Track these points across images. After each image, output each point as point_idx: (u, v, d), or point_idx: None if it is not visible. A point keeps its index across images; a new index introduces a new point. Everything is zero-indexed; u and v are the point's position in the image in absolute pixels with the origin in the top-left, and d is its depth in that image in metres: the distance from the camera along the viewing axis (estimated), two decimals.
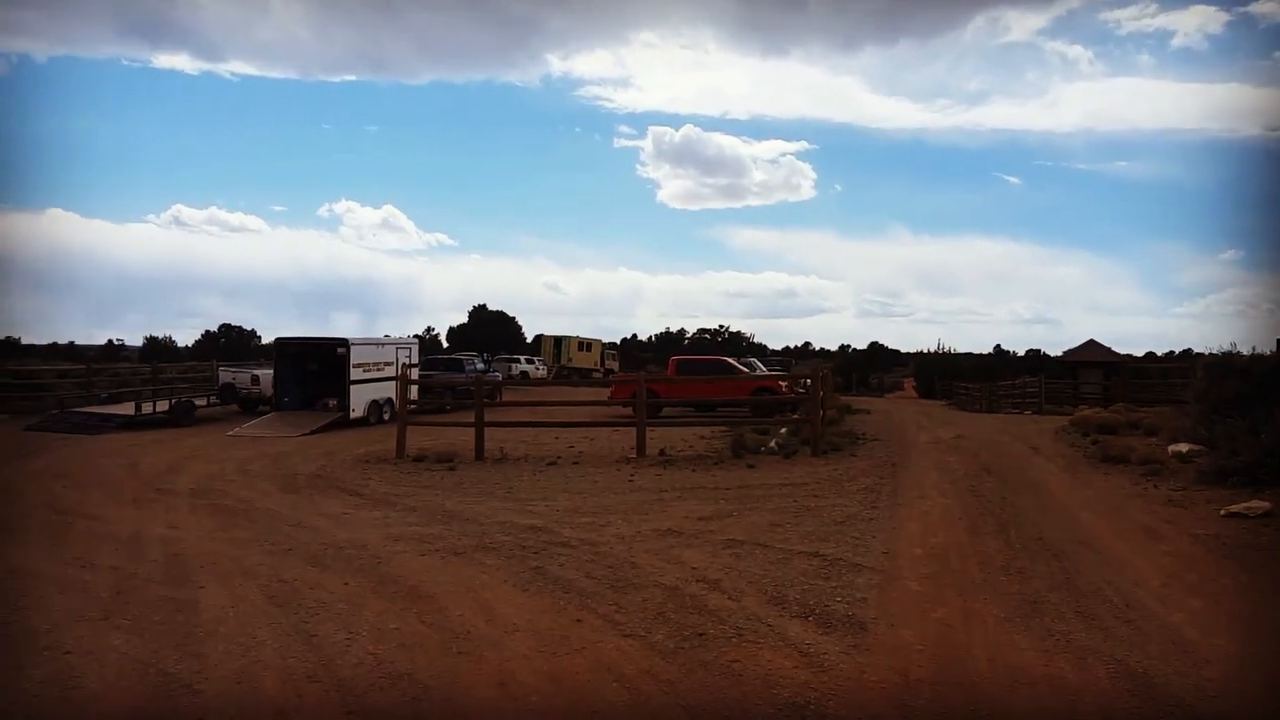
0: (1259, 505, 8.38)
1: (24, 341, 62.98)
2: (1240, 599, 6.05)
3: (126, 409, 21.03)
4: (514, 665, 4.84)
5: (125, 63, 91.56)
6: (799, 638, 5.19)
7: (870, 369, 55.92)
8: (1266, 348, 13.03)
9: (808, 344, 76.39)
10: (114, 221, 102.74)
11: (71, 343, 65.90)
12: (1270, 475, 9.36)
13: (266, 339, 52.54)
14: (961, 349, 53.46)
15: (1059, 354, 41.76)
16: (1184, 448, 11.87)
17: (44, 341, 66.71)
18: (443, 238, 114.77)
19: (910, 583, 6.39)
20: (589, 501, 9.94)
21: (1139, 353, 43.60)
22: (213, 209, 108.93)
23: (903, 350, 67.37)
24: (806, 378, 20.86)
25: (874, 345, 68.29)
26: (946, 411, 29.23)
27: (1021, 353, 58.79)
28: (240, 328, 52.33)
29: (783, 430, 15.24)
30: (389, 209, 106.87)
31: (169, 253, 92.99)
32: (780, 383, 22.24)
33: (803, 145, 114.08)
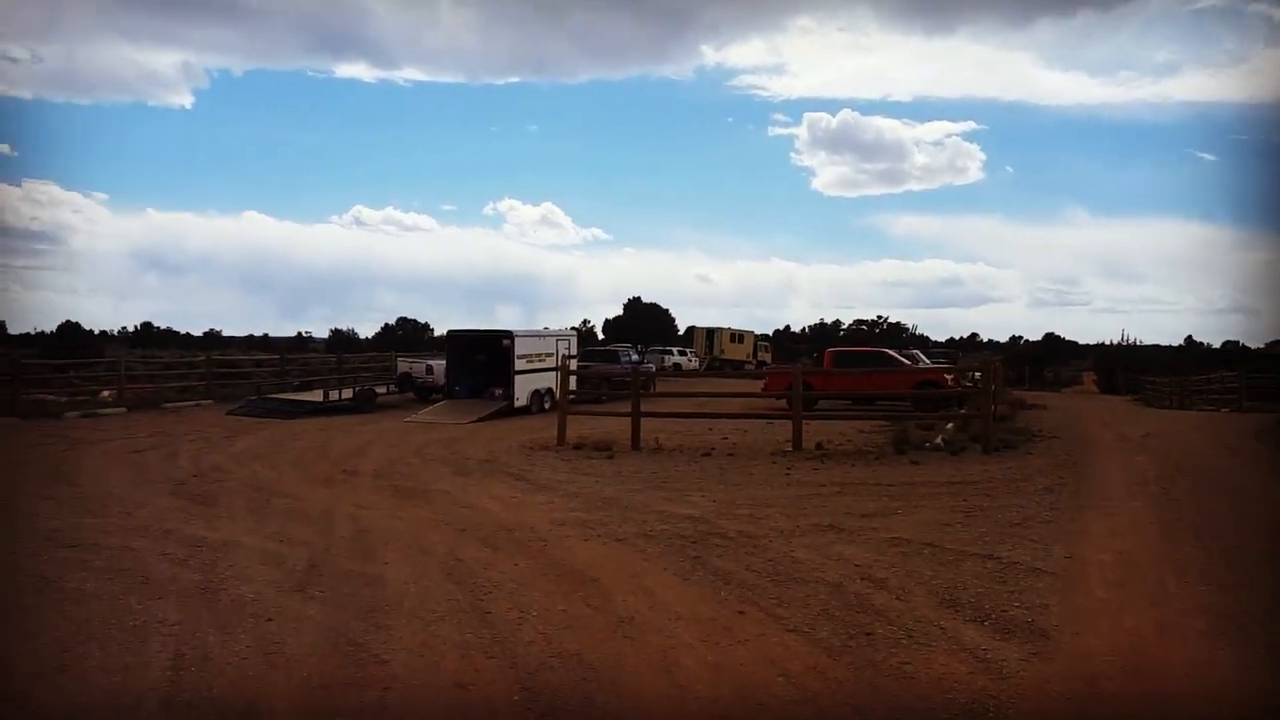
0: None
1: (224, 334, 69.62)
2: None
3: (315, 396, 22.67)
4: (678, 653, 4.91)
5: (310, 74, 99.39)
6: (974, 642, 4.98)
7: (1045, 362, 52.64)
8: None
9: (974, 335, 73.03)
10: (302, 222, 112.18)
11: (265, 335, 72.20)
12: None
13: (438, 331, 55.57)
14: (1147, 340, 49.37)
15: (1261, 346, 37.88)
16: None
17: (241, 334, 73.52)
18: (598, 232, 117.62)
19: (1096, 590, 5.98)
20: (745, 494, 9.91)
21: None
22: (389, 209, 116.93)
23: (1080, 342, 63.07)
24: (975, 370, 19.91)
25: (1049, 337, 64.26)
26: (1132, 408, 27.13)
27: (1217, 345, 53.73)
28: (415, 320, 55.54)
29: (949, 426, 14.62)
30: (548, 206, 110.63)
31: (350, 251, 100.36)
32: (946, 376, 21.33)
33: (970, 125, 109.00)
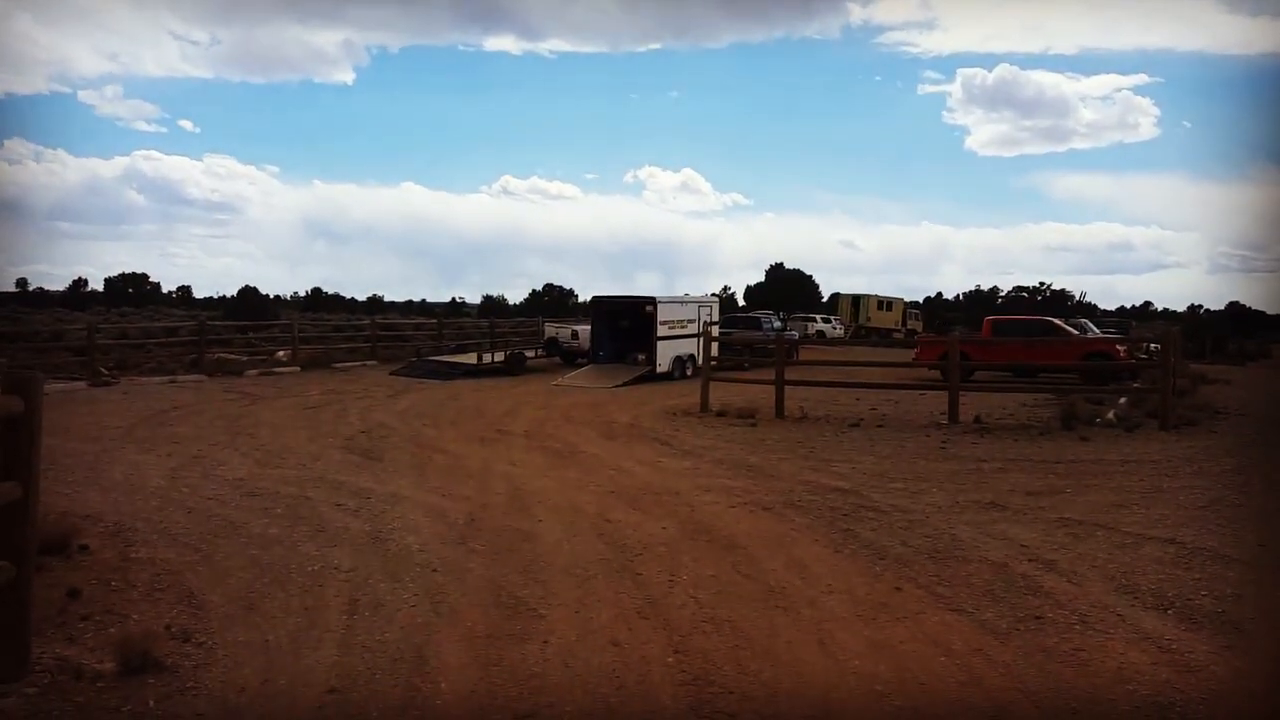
0: None
1: (386, 298, 73.62)
2: None
3: (470, 359, 23.64)
4: (832, 626, 4.82)
5: (461, 48, 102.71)
6: (1156, 631, 4.64)
7: (1228, 333, 48.17)
8: None
9: (1148, 304, 67.75)
10: (455, 192, 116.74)
11: (424, 299, 75.86)
12: None
13: (583, 297, 56.74)
14: None
15: None
16: None
17: (401, 299, 77.55)
18: (738, 198, 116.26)
19: None
20: (898, 467, 9.61)
21: None
22: (534, 179, 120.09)
23: (1269, 312, 57.34)
24: (1152, 341, 18.43)
25: (1233, 305, 58.74)
26: None
27: None
28: (560, 287, 56.92)
29: (1122, 400, 13.63)
30: (688, 172, 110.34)
31: (499, 219, 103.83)
32: (1117, 347, 19.88)
33: (1142, 79, 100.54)
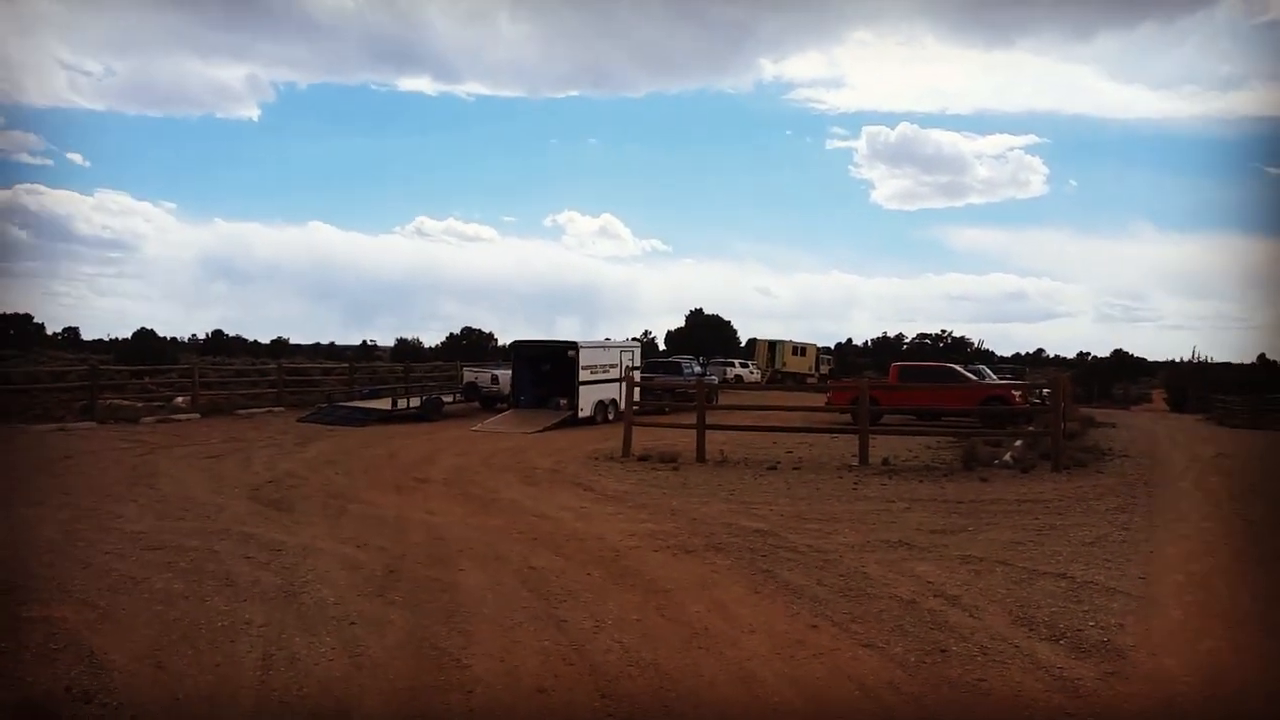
0: None
1: (292, 341, 71.50)
2: None
3: (384, 404, 23.17)
4: (754, 665, 5.00)
5: (374, 87, 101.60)
6: (1050, 660, 4.98)
7: (1113, 379, 51.13)
8: None
9: (1040, 351, 71.23)
10: (366, 233, 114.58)
11: (332, 342, 73.94)
12: None
13: (502, 341, 56.35)
14: (1218, 358, 47.44)
15: None
16: None
17: (308, 341, 75.44)
18: (657, 244, 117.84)
19: (1172, 610, 5.91)
20: (813, 508, 9.93)
21: None
22: (451, 220, 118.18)
23: (1150, 359, 61.06)
24: (1044, 387, 19.51)
25: (1117, 353, 62.34)
26: (1203, 427, 26.25)
27: None
28: (479, 330, 56.41)
29: (1017, 443, 14.39)
30: (607, 218, 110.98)
31: (414, 261, 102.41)
32: (1013, 392, 20.96)
33: (1031, 139, 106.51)
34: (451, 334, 56.90)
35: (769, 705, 4.46)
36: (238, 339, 70.04)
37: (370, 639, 5.56)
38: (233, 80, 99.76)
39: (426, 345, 57.72)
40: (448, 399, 25.08)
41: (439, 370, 35.39)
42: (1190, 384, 40.48)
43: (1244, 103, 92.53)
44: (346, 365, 34.72)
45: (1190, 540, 8.07)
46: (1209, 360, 44.98)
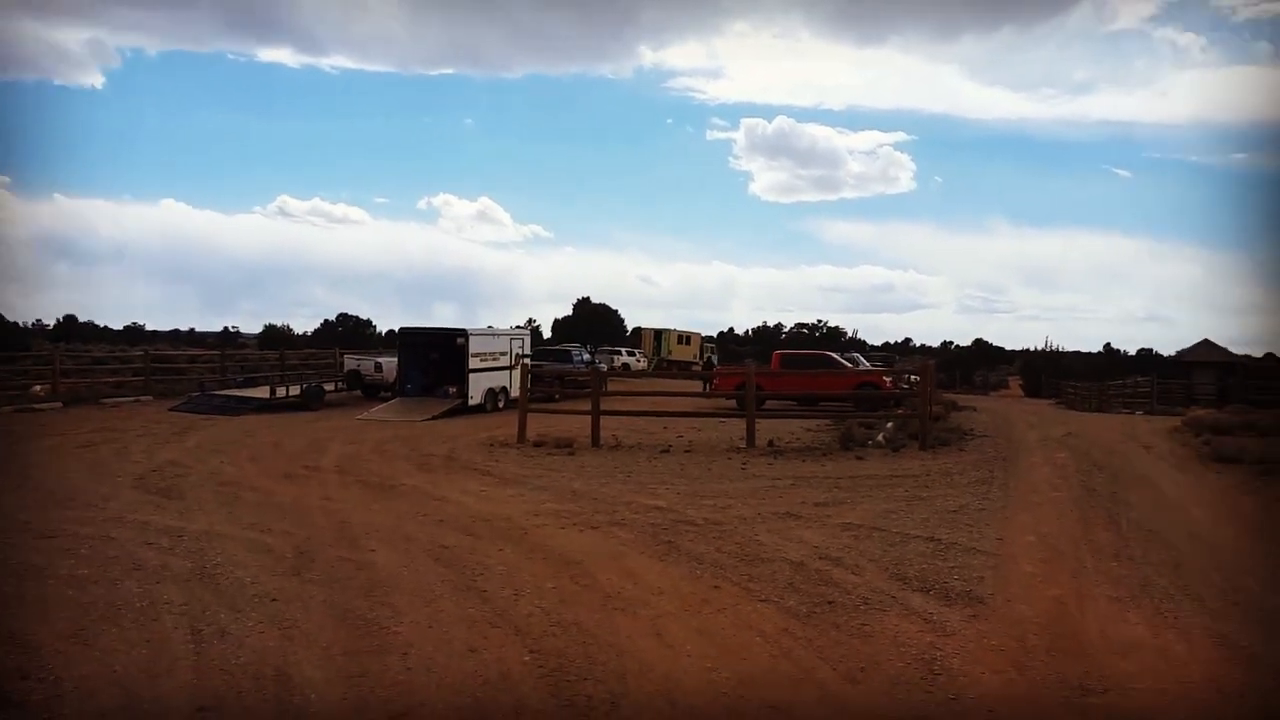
0: None
1: (147, 328, 67.59)
2: None
3: (261, 393, 22.53)
4: (665, 621, 5.49)
5: (231, 57, 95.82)
6: (922, 608, 5.69)
7: (974, 366, 54.76)
8: None
9: (908, 340, 75.08)
10: (224, 212, 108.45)
11: (192, 329, 70.31)
12: None
13: (381, 328, 55.05)
14: (1069, 347, 51.72)
15: (1172, 354, 40.19)
16: None
17: (165, 328, 71.44)
18: (539, 230, 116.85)
19: (1024, 565, 6.76)
20: (707, 487, 10.53)
21: (1258, 353, 41.42)
22: (316, 200, 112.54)
23: (1007, 347, 65.59)
24: (911, 373, 20.92)
25: (977, 342, 66.64)
26: (1054, 410, 28.65)
27: (1132, 352, 56.57)
28: (356, 317, 54.88)
29: (889, 424, 15.50)
30: (485, 201, 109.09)
31: (276, 243, 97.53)
32: (884, 378, 22.36)
33: (900, 136, 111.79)
34: (326, 320, 55.21)
35: (682, 651, 4.96)
36: (89, 325, 65.70)
37: (295, 613, 5.74)
38: (72, 44, 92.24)
39: (297, 332, 55.85)
40: (329, 387, 24.60)
41: (315, 358, 34.48)
42: (1043, 371, 43.89)
43: (1095, 106, 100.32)
44: (217, 353, 33.34)
45: (1040, 507, 9.08)
46: (1060, 349, 48.95)
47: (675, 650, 4.99)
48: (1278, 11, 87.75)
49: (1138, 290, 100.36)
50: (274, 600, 6.03)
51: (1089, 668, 4.76)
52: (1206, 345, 34.41)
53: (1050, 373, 42.68)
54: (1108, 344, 60.19)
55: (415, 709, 4.21)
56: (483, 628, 5.41)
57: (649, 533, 7.95)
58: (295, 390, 22.88)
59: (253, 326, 62.59)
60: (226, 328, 66.47)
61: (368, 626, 5.47)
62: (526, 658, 4.87)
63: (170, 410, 20.64)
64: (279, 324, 56.59)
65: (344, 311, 55.51)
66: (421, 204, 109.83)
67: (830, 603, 5.81)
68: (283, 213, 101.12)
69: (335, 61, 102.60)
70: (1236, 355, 34.08)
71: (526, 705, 4.28)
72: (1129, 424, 19.69)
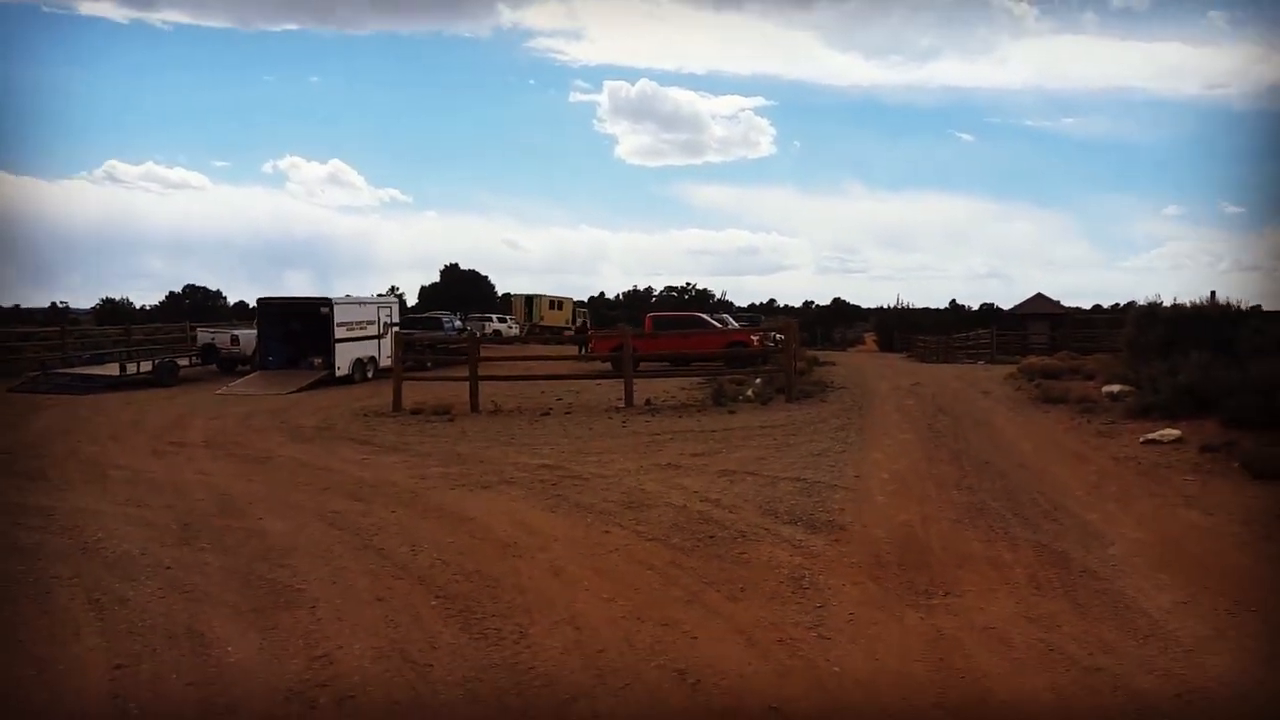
0: (1171, 433, 9.68)
1: None
2: (1146, 502, 7.29)
3: (111, 370, 21.41)
4: (563, 562, 5.90)
5: (45, 9, 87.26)
6: (791, 537, 6.33)
7: (833, 324, 57.54)
8: (1203, 298, 14.41)
9: (772, 300, 77.75)
10: (44, 178, 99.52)
11: (16, 305, 64.55)
12: (1184, 409, 10.67)
13: (231, 300, 52.48)
14: (919, 304, 55.14)
15: (1010, 307, 43.61)
16: (1115, 388, 13.20)
17: None
18: (396, 194, 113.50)
19: (878, 497, 7.54)
20: (590, 445, 10.96)
21: (1086, 305, 45.67)
22: (149, 165, 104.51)
23: (863, 305, 69.13)
24: (778, 332, 21.98)
25: (836, 301, 69.91)
26: (906, 363, 30.71)
27: (976, 307, 60.80)
28: (205, 288, 52.17)
29: (757, 380, 16.37)
30: (337, 164, 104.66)
31: (105, 211, 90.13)
32: (752, 337, 23.39)
33: (760, 101, 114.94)
34: (173, 293, 52.23)
35: (580, 587, 5.39)
36: None
37: (194, 578, 5.80)
38: None
39: (138, 305, 52.48)
40: (183, 362, 23.54)
41: (163, 332, 32.74)
42: (895, 327, 46.65)
43: (939, 73, 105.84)
44: (56, 329, 31.05)
45: (892, 448, 9.99)
46: (910, 306, 52.08)
47: (574, 586, 5.41)
48: None
49: (980, 249, 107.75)
50: (169, 568, 6.05)
51: (933, 576, 5.50)
52: (1040, 299, 37.69)
53: (902, 328, 45.41)
54: (953, 300, 64.47)
55: (334, 651, 4.45)
56: (386, 580, 5.65)
57: (538, 489, 8.30)
58: (147, 366, 21.84)
59: (83, 301, 58.00)
60: (55, 303, 61.42)
61: (271, 586, 5.61)
62: (434, 602, 5.17)
63: (10, 391, 19.33)
64: (117, 298, 52.95)
65: (190, 283, 52.65)
66: (267, 167, 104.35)
67: (712, 538, 6.36)
68: (111, 178, 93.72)
69: (167, 16, 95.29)
70: (1066, 308, 37.44)
71: (440, 640, 4.60)
72: (971, 373, 21.46)
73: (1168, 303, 14.34)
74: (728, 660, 4.29)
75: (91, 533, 7.07)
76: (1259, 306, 14.35)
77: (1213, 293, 14.32)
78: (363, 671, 4.21)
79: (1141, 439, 9.72)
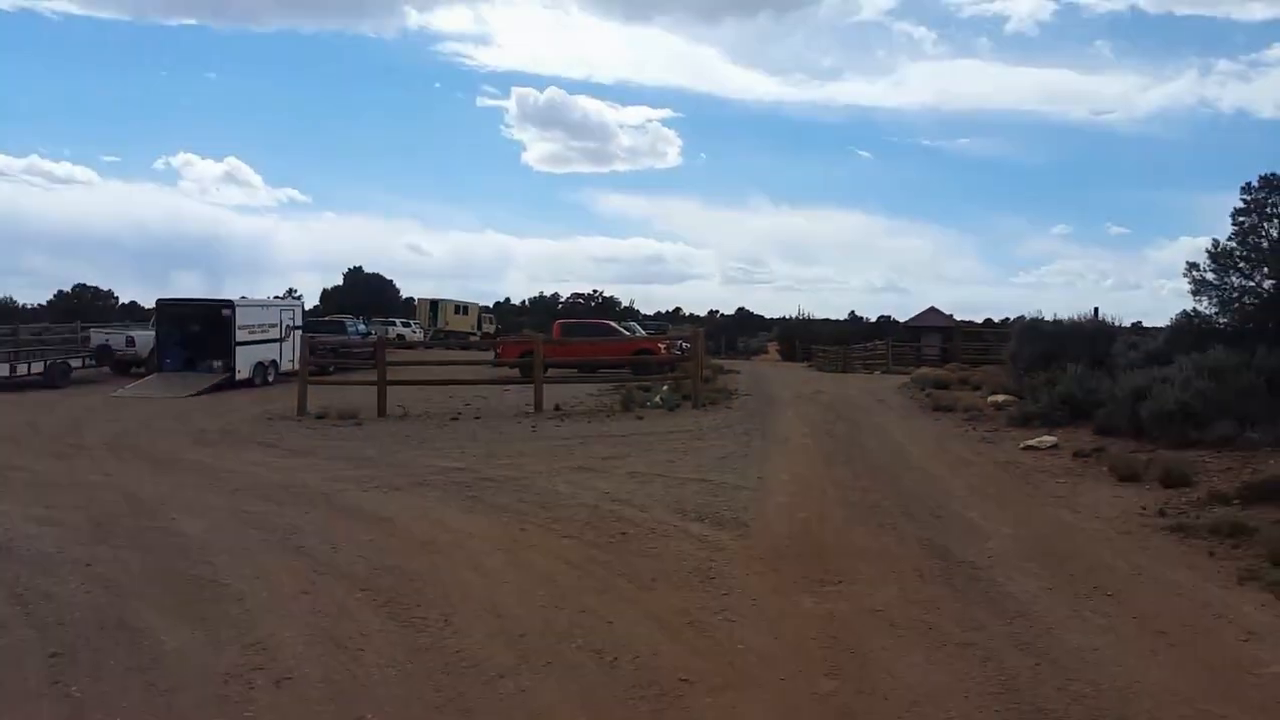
0: (1048, 439, 10.62)
1: None
2: (1022, 503, 8.06)
3: None
4: (481, 558, 6.18)
5: None
6: (699, 533, 6.77)
7: (737, 333, 58.86)
8: (1084, 314, 15.68)
9: (678, 309, 78.85)
10: None
11: None
12: (1062, 417, 11.70)
13: (124, 300, 50.16)
14: (820, 315, 57.06)
15: (905, 320, 45.62)
16: (1000, 398, 14.27)
17: None
18: (294, 194, 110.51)
19: (779, 497, 8.07)
20: (501, 449, 11.19)
21: (978, 319, 48.11)
22: (33, 158, 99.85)
23: (767, 316, 70.91)
24: (684, 340, 22.60)
25: (740, 311, 71.51)
26: (807, 372, 31.85)
27: (873, 319, 63.18)
28: (96, 288, 49.77)
29: (665, 387, 16.86)
30: (233, 162, 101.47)
31: None
32: (659, 345, 23.94)
33: (668, 113, 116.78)
34: (61, 291, 49.59)
35: (500, 579, 5.70)
36: None
37: (117, 574, 5.85)
38: None
39: (21, 304, 49.60)
40: (75, 364, 22.59)
41: (51, 332, 31.20)
42: (797, 337, 48.11)
43: (841, 92, 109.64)
44: None
45: (793, 452, 10.60)
46: (811, 317, 53.80)
47: (494, 579, 5.70)
48: (996, 10, 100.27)
49: (878, 263, 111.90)
50: (89, 565, 6.06)
51: (828, 567, 6.01)
52: (933, 312, 39.57)
53: (803, 338, 46.88)
54: (852, 311, 66.85)
55: (266, 639, 4.63)
56: (309, 576, 5.81)
57: (452, 490, 8.52)
58: (38, 367, 20.92)
59: None
60: None
61: (195, 581, 5.70)
62: (359, 595, 5.38)
63: None
64: (2, 296, 49.93)
65: (80, 283, 50.12)
66: (159, 164, 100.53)
67: (624, 534, 6.75)
68: None
69: (56, 6, 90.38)
70: (957, 321, 39.43)
71: (369, 628, 4.83)
72: (868, 382, 22.54)
73: (1050, 318, 15.56)
74: (642, 641, 4.67)
75: (5, 534, 6.94)
76: (1140, 323, 15.75)
77: (1096, 309, 15.63)
78: (297, 656, 4.41)
79: (1022, 445, 10.61)
